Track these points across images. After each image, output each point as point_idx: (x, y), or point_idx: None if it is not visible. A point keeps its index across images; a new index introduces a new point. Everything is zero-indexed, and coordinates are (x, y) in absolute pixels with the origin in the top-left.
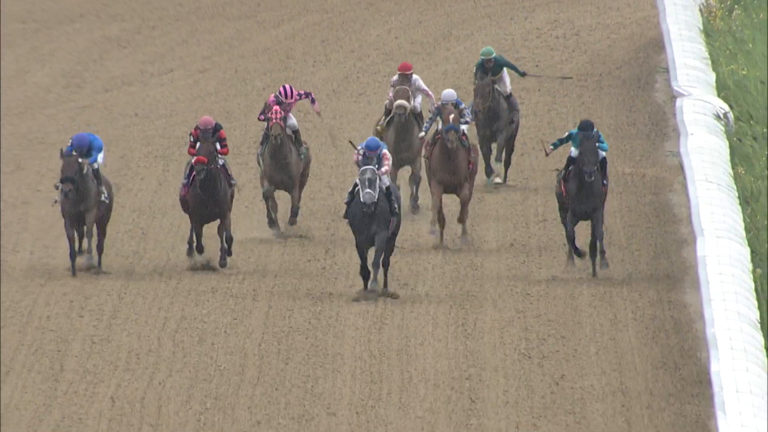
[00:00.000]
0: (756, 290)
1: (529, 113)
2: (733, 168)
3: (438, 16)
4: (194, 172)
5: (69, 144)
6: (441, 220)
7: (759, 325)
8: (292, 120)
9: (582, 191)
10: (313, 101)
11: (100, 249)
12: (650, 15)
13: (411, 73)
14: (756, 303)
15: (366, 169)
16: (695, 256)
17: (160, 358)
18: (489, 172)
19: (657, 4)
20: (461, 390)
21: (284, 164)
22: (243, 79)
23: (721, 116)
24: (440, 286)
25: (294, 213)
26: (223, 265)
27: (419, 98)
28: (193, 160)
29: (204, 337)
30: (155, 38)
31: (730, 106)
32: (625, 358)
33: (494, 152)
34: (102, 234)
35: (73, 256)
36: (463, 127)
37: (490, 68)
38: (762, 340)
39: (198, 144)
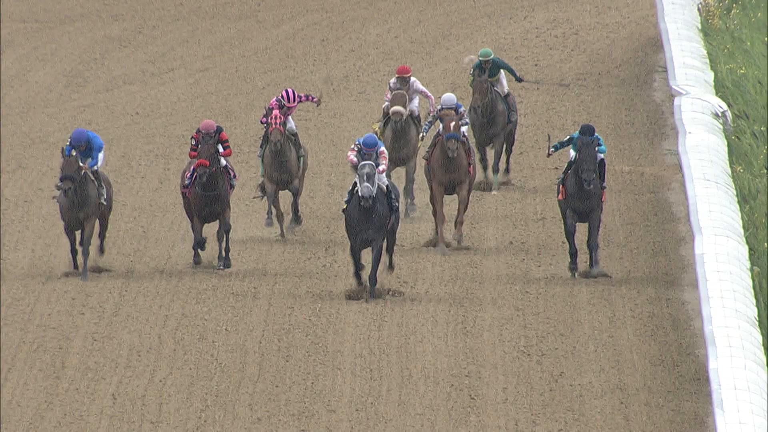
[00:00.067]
0: (754, 288)
1: (528, 112)
2: (731, 166)
3: (437, 15)
4: (196, 174)
5: (68, 143)
6: (441, 219)
7: (757, 323)
8: (291, 123)
9: (580, 192)
10: (311, 98)
11: (102, 238)
12: (649, 14)
13: (409, 76)
14: (754, 300)
15: (365, 164)
16: (693, 253)
17: (161, 356)
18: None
19: (655, 3)
20: (461, 387)
21: (284, 162)
22: (243, 79)
23: (720, 115)
24: (440, 284)
25: (295, 210)
26: (227, 266)
27: (416, 100)
28: (195, 163)
29: (205, 334)
30: (156, 38)
31: (729, 105)
32: (624, 356)
33: (491, 162)
34: (104, 228)
35: (74, 251)
36: (463, 129)
37: (487, 69)
38: (760, 338)
39: (199, 147)
